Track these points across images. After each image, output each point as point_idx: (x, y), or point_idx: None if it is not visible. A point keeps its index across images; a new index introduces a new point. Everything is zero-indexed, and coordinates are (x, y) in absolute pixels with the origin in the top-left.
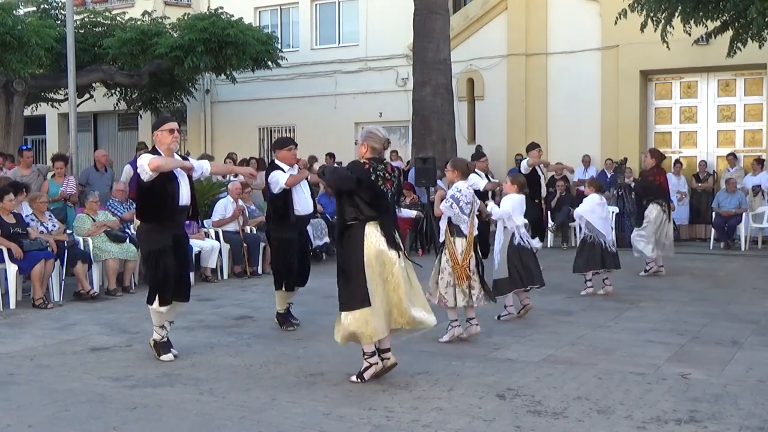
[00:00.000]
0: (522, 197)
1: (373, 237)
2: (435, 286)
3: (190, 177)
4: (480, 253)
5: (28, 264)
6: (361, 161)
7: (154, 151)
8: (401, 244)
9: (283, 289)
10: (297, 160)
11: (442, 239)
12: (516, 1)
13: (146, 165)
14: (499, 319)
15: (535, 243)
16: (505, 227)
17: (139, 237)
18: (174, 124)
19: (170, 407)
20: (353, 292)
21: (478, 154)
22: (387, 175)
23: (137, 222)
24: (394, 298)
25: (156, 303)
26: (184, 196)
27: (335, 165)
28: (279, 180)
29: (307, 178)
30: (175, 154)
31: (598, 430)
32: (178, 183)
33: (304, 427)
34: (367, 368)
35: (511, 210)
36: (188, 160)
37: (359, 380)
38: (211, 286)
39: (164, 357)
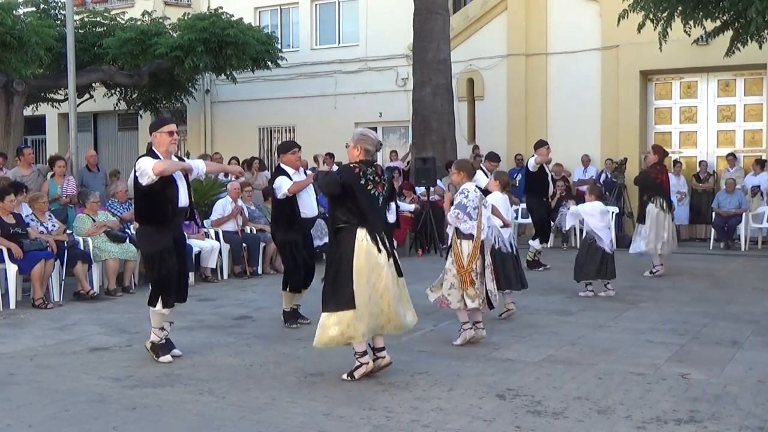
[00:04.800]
0: (505, 197)
1: (364, 241)
2: (439, 286)
3: (187, 178)
4: (490, 257)
5: (28, 264)
6: (351, 165)
7: (152, 153)
8: (391, 248)
9: (289, 290)
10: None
11: (449, 241)
12: (516, 1)
13: (149, 169)
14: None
15: (535, 244)
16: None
17: (140, 239)
18: (173, 126)
19: (170, 407)
20: (339, 294)
21: (493, 156)
22: (377, 178)
23: (137, 223)
24: (382, 304)
25: (159, 305)
26: (183, 198)
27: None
28: (282, 187)
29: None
30: (173, 156)
31: (598, 430)
32: (176, 185)
33: (304, 427)
34: (357, 367)
35: (504, 212)
36: (185, 161)
37: (350, 378)
38: (211, 286)
39: (163, 359)
